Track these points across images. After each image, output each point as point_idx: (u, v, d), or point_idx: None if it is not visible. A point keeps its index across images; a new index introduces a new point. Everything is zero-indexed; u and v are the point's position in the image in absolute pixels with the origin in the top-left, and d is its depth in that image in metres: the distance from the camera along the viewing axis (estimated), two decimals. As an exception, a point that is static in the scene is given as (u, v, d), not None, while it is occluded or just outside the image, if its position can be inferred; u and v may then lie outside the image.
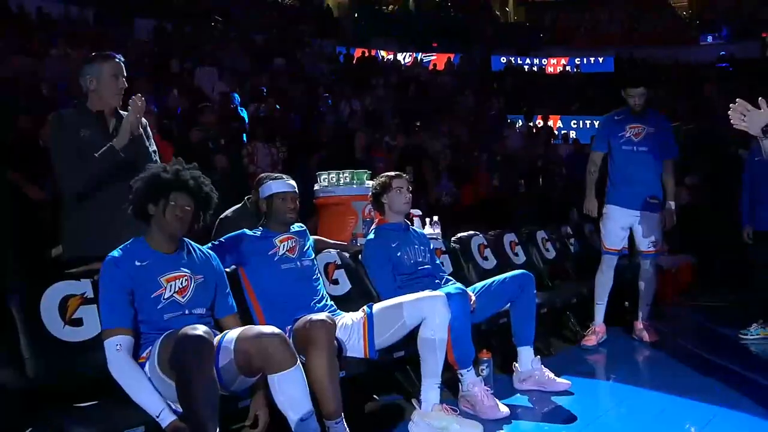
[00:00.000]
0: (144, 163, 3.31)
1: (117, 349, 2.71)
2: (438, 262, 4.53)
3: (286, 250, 3.67)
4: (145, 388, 2.68)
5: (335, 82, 15.79)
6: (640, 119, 5.41)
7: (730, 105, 3.18)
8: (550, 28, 29.76)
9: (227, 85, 11.80)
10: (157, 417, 2.60)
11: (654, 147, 5.39)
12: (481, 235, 5.72)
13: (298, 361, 2.83)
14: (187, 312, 2.95)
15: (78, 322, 2.92)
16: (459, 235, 5.51)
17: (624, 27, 28.67)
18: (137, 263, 2.89)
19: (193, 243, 3.18)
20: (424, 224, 5.04)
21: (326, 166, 6.21)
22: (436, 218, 5.15)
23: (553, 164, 12.25)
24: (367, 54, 21.20)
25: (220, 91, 11.16)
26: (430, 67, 22.70)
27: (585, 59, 24.54)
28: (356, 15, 28.45)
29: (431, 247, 4.45)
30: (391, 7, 32.91)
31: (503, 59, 23.87)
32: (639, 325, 5.65)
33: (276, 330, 2.83)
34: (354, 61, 19.97)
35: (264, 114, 10.66)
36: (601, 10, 31.24)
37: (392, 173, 4.33)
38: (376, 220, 4.38)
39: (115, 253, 2.90)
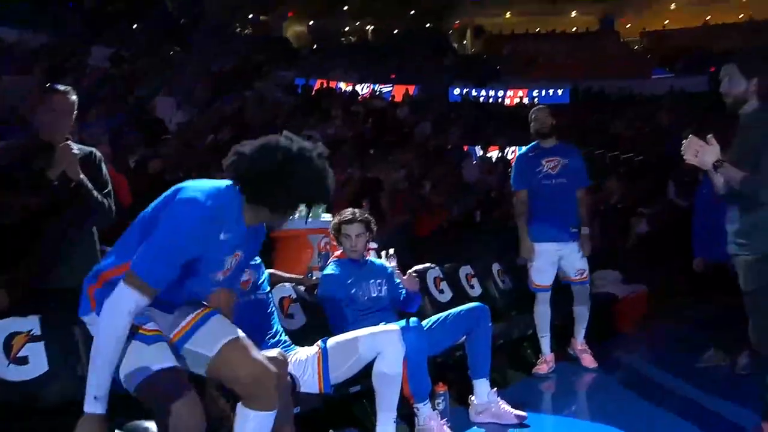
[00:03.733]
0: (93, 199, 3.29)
1: (129, 312, 2.33)
2: (398, 285, 4.47)
3: (240, 284, 3.64)
4: (111, 368, 2.34)
5: (294, 113, 15.80)
6: (553, 152, 5.51)
7: (682, 143, 3.29)
8: (508, 60, 30.23)
9: (185, 115, 11.72)
10: (94, 398, 2.29)
11: (570, 177, 5.51)
12: (437, 268, 5.74)
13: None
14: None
15: (23, 361, 2.84)
16: (415, 268, 5.51)
17: (580, 60, 29.28)
18: (222, 236, 2.50)
19: None
20: (379, 257, 5.04)
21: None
22: (392, 251, 5.14)
23: (510, 195, 12.31)
24: (325, 85, 21.28)
25: (177, 122, 11.08)
26: (391, 98, 22.88)
27: (542, 91, 24.94)
28: (315, 46, 28.68)
29: (390, 272, 4.42)
30: (350, 38, 33.25)
31: (460, 90, 24.16)
32: (577, 345, 5.79)
33: (276, 368, 2.62)
34: (313, 92, 20.02)
35: (222, 143, 10.59)
36: (559, 44, 31.89)
37: (347, 215, 4.29)
38: (336, 254, 4.37)
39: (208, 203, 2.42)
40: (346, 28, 34.05)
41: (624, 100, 23.64)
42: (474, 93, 24.73)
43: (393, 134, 16.07)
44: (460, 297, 5.66)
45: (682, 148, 3.31)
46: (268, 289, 3.85)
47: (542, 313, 5.60)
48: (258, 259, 3.85)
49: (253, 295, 3.68)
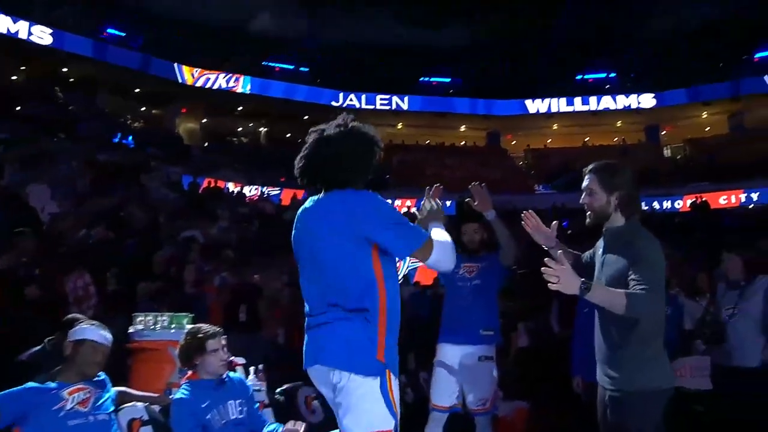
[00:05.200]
0: None
1: None
2: (258, 412, 4.20)
3: (77, 403, 3.32)
4: None
5: (178, 211, 15.43)
6: (473, 259, 5.40)
7: (542, 269, 3.11)
8: (398, 169, 30.83)
9: (59, 206, 11.19)
10: None
11: (487, 279, 5.35)
12: (307, 387, 5.47)
13: None
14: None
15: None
16: (285, 386, 5.24)
17: (467, 173, 30.20)
18: None
19: None
20: (247, 373, 4.75)
21: (157, 300, 5.85)
22: (261, 367, 4.88)
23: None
24: (213, 184, 21.01)
25: (50, 212, 10.55)
26: (279, 201, 22.77)
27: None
28: (206, 144, 28.53)
29: (250, 394, 4.14)
30: (242, 139, 33.30)
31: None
32: None
33: None
34: (200, 190, 19.69)
35: (94, 240, 10.12)
36: (447, 156, 32.89)
37: (207, 330, 4.01)
38: (188, 374, 4.04)
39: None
40: (239, 129, 34.10)
41: (508, 214, 24.28)
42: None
43: (279, 239, 15.85)
44: (332, 418, 5.36)
45: (544, 276, 3.10)
46: (112, 408, 3.50)
47: None
48: (102, 374, 3.52)
49: (92, 416, 3.33)
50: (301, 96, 32.95)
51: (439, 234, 3.03)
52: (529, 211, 3.66)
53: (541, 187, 30.59)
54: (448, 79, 36.13)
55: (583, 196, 3.47)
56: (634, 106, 35.19)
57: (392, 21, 32.40)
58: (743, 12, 30.98)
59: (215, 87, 30.66)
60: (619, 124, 36.46)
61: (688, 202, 26.04)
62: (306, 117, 33.94)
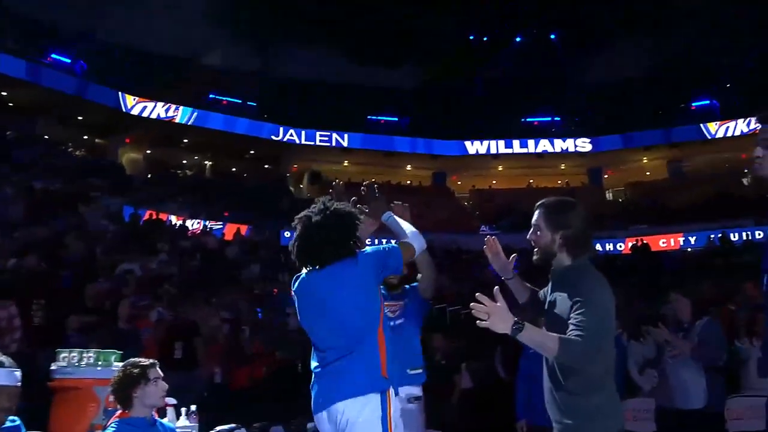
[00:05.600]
0: None
1: None
2: None
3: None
4: None
5: (117, 243, 15.01)
6: (394, 297, 5.26)
7: (471, 305, 2.95)
8: (343, 207, 30.78)
9: (-8, 235, 10.78)
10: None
11: (410, 318, 5.21)
12: (243, 429, 5.24)
13: None
14: None
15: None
16: (218, 428, 5.01)
17: (412, 213, 30.22)
18: None
19: None
20: (179, 415, 4.51)
21: (88, 334, 5.57)
22: (194, 407, 4.64)
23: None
24: (155, 216, 20.57)
25: (-22, 242, 10.14)
26: (222, 236, 22.36)
27: (374, 240, 25.32)
28: (150, 176, 28.05)
29: None
30: (187, 172, 32.86)
31: (291, 234, 24.01)
32: None
33: None
34: (141, 222, 19.21)
35: (25, 270, 9.70)
36: (392, 195, 32.90)
37: (145, 361, 3.82)
38: (118, 413, 3.79)
39: None
40: (184, 161, 33.65)
41: (452, 254, 24.37)
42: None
43: (220, 274, 15.56)
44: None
45: (473, 312, 2.92)
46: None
47: None
48: (16, 420, 3.25)
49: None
50: (242, 129, 32.49)
51: (397, 226, 3.99)
52: (493, 237, 3.64)
53: (485, 228, 30.76)
54: (395, 118, 36.29)
55: (530, 232, 3.34)
56: (571, 149, 35.88)
57: (344, 60, 32.52)
58: (680, 62, 32.05)
59: (152, 116, 29.93)
60: (563, 166, 37.03)
61: (630, 244, 26.44)
62: (252, 152, 33.78)
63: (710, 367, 5.25)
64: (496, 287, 2.99)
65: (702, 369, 5.21)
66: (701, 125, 33.20)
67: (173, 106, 30.36)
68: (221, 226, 23.59)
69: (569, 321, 3.00)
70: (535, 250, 3.31)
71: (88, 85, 28.09)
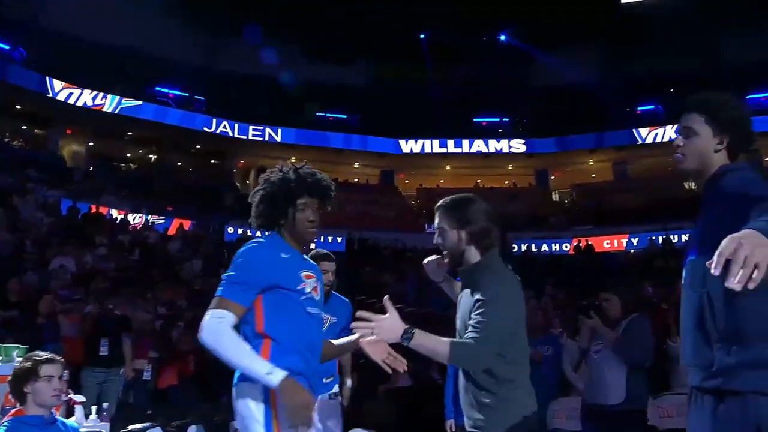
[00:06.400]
0: None
1: (219, 320, 2.74)
2: None
3: None
4: (249, 353, 2.70)
5: (51, 236, 14.57)
6: (324, 308, 5.07)
7: (352, 324, 2.92)
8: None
9: None
10: (269, 374, 2.64)
11: (334, 329, 5.08)
12: (158, 428, 5.03)
13: None
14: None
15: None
16: (130, 427, 4.79)
17: (359, 210, 30.14)
18: (283, 255, 3.00)
19: None
20: (88, 414, 4.29)
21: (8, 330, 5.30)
22: (105, 406, 4.42)
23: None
24: (95, 210, 20.07)
25: None
26: (164, 231, 21.93)
27: (321, 237, 25.12)
28: (91, 168, 27.37)
29: None
30: (131, 165, 32.15)
31: (239, 230, 23.67)
32: None
33: None
34: (79, 216, 18.70)
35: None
36: (339, 192, 32.72)
37: (44, 355, 3.59)
38: (13, 410, 3.56)
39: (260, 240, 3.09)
40: (128, 155, 32.88)
41: (397, 253, 24.36)
42: (249, 233, 24.39)
43: (160, 269, 15.22)
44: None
45: (355, 332, 2.92)
46: None
47: None
48: None
49: None
50: (174, 120, 31.13)
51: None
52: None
53: (431, 227, 30.83)
54: (344, 116, 36.07)
55: (435, 236, 3.23)
56: (516, 150, 36.05)
57: (297, 56, 32.16)
58: (628, 67, 32.60)
59: (79, 103, 28.44)
60: (510, 167, 37.20)
61: (575, 245, 26.71)
62: (198, 147, 33.18)
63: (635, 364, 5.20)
64: (386, 296, 2.97)
65: (624, 365, 5.16)
66: (633, 130, 33.75)
67: (101, 94, 29.10)
68: (165, 221, 23.12)
69: (468, 322, 2.93)
70: (444, 253, 3.21)
71: (7, 67, 26.52)
